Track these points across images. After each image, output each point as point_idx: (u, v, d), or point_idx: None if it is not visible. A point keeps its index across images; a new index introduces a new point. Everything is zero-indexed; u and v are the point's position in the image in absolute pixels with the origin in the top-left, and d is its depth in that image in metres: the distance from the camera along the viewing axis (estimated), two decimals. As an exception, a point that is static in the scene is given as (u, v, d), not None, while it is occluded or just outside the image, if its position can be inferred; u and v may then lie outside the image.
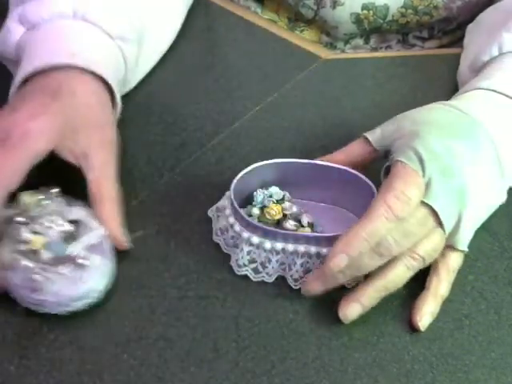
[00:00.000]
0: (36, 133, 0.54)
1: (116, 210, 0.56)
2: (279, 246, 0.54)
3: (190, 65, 0.73)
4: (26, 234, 0.53)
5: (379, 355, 0.52)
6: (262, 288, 0.55)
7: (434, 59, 0.72)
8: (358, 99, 0.70)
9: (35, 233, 0.53)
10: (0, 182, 0.53)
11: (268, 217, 0.55)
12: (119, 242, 0.56)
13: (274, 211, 0.55)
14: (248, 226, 0.54)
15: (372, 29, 0.79)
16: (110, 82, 0.60)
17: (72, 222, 0.55)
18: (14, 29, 0.63)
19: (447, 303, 0.55)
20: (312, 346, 0.53)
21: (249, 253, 0.55)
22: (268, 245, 0.54)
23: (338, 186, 0.58)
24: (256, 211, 0.56)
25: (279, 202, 0.56)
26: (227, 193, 0.57)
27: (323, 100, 0.69)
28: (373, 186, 0.55)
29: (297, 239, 0.54)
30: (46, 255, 0.53)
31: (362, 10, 0.76)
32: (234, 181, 0.56)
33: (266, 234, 0.54)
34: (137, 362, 0.51)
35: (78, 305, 0.53)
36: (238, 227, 0.55)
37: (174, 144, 0.65)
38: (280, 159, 0.58)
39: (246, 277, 0.55)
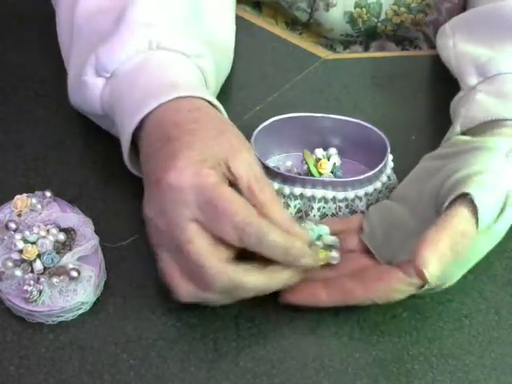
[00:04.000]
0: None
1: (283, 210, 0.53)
2: (297, 191, 0.57)
3: (190, 65, 0.73)
4: (19, 242, 0.53)
5: (379, 355, 0.52)
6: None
7: (434, 59, 0.72)
8: (358, 99, 0.70)
9: (29, 242, 0.53)
10: None
11: None
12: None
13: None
14: (268, 173, 0.56)
15: (367, 29, 0.78)
16: (211, 100, 0.57)
17: (66, 229, 0.55)
18: (93, 83, 0.59)
19: (447, 303, 0.55)
20: (312, 345, 0.53)
21: None
22: (287, 190, 0.57)
23: (352, 139, 0.61)
24: None
25: (329, 247, 0.54)
26: None
27: (323, 100, 0.69)
28: (386, 138, 0.59)
29: (314, 184, 0.57)
30: (39, 266, 0.53)
31: (355, 8, 0.76)
32: (255, 133, 0.59)
33: (285, 180, 0.57)
34: (137, 362, 0.51)
35: (69, 315, 0.53)
36: None
37: (174, 144, 0.65)
38: (297, 113, 0.61)
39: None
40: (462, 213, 0.50)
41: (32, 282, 0.52)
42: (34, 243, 0.53)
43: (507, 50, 0.62)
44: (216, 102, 0.57)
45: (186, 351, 0.52)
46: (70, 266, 0.53)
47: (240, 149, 0.52)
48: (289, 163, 0.61)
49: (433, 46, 0.80)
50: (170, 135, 0.52)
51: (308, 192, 0.58)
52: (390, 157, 0.60)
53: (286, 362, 0.52)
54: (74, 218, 0.56)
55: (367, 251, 0.55)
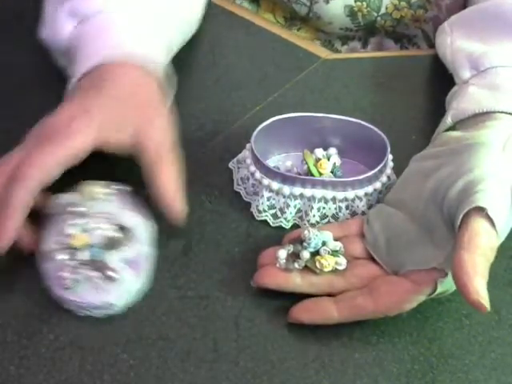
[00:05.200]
0: (74, 132, 0.54)
1: (175, 175, 0.56)
2: (297, 191, 0.57)
3: (190, 65, 0.73)
4: (71, 228, 0.53)
5: (379, 355, 0.52)
6: (262, 288, 0.55)
7: (434, 59, 0.72)
8: (358, 99, 0.70)
9: (81, 229, 0.53)
10: (34, 175, 0.52)
11: (317, 265, 0.53)
12: (173, 208, 0.56)
13: (327, 263, 0.53)
14: (268, 173, 0.58)
15: (367, 23, 0.78)
16: (158, 75, 0.61)
17: (123, 228, 0.54)
18: (65, 22, 0.63)
19: (447, 303, 0.55)
20: (312, 346, 0.53)
21: (268, 199, 0.58)
22: (287, 190, 0.57)
23: (352, 139, 0.61)
24: (306, 254, 0.53)
25: (334, 253, 0.54)
26: (247, 145, 0.60)
27: (323, 100, 0.69)
28: (386, 138, 0.59)
29: (314, 184, 0.57)
30: (82, 256, 0.53)
31: (356, 1, 0.77)
32: (255, 133, 0.59)
33: (285, 180, 0.57)
34: (137, 362, 0.51)
35: (97, 313, 0.53)
36: (258, 175, 0.58)
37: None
38: (297, 113, 0.61)
39: (246, 277, 0.55)
40: (484, 228, 0.48)
41: (71, 270, 0.52)
42: (86, 232, 0.53)
43: (501, 45, 0.62)
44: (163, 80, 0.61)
45: (186, 351, 0.52)
46: (112, 265, 0.52)
47: (154, 116, 0.58)
48: (289, 163, 0.61)
49: (431, 44, 0.80)
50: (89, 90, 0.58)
51: (308, 192, 0.58)
52: (390, 157, 0.60)
53: (286, 362, 0.52)
54: (134, 217, 0.55)
55: (373, 257, 0.55)
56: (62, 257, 0.53)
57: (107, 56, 0.59)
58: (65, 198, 0.55)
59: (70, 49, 0.63)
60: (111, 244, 0.54)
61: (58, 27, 0.63)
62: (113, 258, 0.53)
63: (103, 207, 0.55)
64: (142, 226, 0.55)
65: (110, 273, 0.52)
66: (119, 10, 0.63)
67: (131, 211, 0.56)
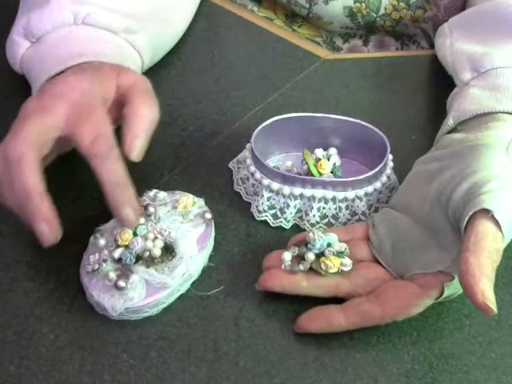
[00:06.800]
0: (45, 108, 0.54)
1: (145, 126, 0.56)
2: (297, 191, 0.57)
3: (190, 65, 0.73)
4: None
5: (379, 355, 0.52)
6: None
7: (434, 59, 0.72)
8: (358, 99, 0.70)
9: (133, 232, 0.54)
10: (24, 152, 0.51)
11: (322, 267, 0.53)
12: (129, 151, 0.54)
13: (332, 264, 0.53)
14: (268, 173, 0.58)
15: (366, 23, 0.79)
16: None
17: (168, 247, 0.54)
18: (19, 43, 0.64)
19: (447, 303, 0.55)
20: (312, 346, 0.53)
21: (268, 199, 0.59)
22: (287, 190, 0.58)
23: (352, 139, 0.61)
24: (311, 256, 0.53)
25: (339, 254, 0.54)
26: (247, 145, 0.61)
27: (323, 100, 0.69)
28: (386, 138, 0.59)
29: (314, 184, 0.57)
30: (115, 252, 0.53)
31: (355, 2, 0.77)
32: (255, 133, 0.59)
33: (285, 180, 0.58)
34: (137, 362, 0.51)
35: (98, 309, 0.53)
36: (258, 175, 0.58)
37: (174, 144, 0.65)
38: (297, 113, 0.61)
39: (246, 277, 0.55)
40: (490, 230, 0.48)
41: (98, 257, 0.53)
42: (135, 235, 0.53)
43: (501, 46, 0.62)
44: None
45: (186, 351, 0.52)
46: (131, 278, 0.52)
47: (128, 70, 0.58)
48: (289, 163, 0.61)
49: (431, 42, 0.80)
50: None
51: (308, 192, 0.58)
52: (390, 157, 0.60)
53: (285, 362, 0.52)
54: (191, 253, 0.54)
55: (378, 260, 0.54)
56: (103, 242, 0.54)
57: (65, 64, 0.59)
58: (159, 194, 0.56)
59: (26, 68, 0.63)
60: (145, 260, 0.53)
61: (14, 47, 0.64)
62: (136, 273, 0.53)
63: (174, 225, 0.55)
64: (190, 263, 0.54)
65: (122, 283, 0.52)
66: (75, 24, 0.62)
67: (194, 245, 0.55)
